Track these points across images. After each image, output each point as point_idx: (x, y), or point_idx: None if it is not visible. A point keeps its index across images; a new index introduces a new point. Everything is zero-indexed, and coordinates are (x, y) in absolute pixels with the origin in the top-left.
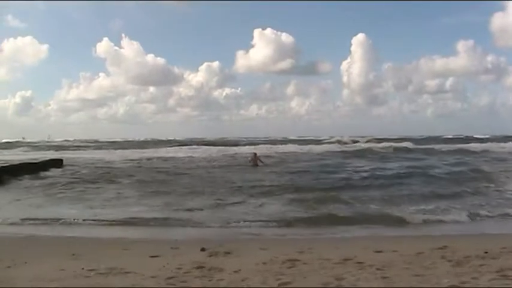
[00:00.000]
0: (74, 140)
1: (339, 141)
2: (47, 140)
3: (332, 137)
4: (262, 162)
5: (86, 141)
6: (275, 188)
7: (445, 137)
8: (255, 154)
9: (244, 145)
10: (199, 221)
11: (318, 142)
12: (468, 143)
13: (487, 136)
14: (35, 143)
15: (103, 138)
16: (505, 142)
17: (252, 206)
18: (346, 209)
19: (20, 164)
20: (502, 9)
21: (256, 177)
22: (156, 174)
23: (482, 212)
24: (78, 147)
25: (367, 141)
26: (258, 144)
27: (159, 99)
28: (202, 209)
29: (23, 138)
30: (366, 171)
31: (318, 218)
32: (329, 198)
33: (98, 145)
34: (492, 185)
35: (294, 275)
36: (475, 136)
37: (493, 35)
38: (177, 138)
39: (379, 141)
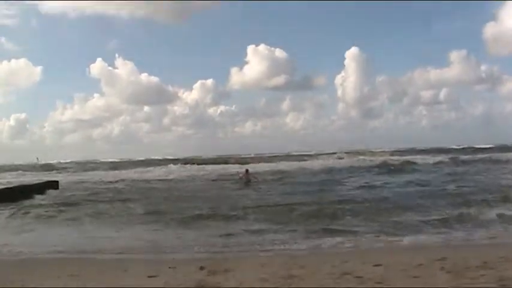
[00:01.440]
0: (71, 161)
1: (339, 157)
2: (35, 162)
3: (335, 152)
4: (255, 178)
5: (80, 162)
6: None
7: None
8: (247, 171)
9: (236, 163)
10: (198, 240)
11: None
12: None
13: (489, 146)
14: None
15: (98, 158)
16: None
17: (246, 222)
18: None
19: (16, 186)
20: (494, 18)
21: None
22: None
23: None
24: (67, 169)
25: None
26: (253, 161)
27: (154, 118)
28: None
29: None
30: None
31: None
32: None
33: (93, 166)
34: None
35: None
36: (476, 146)
37: (485, 44)
38: (171, 157)
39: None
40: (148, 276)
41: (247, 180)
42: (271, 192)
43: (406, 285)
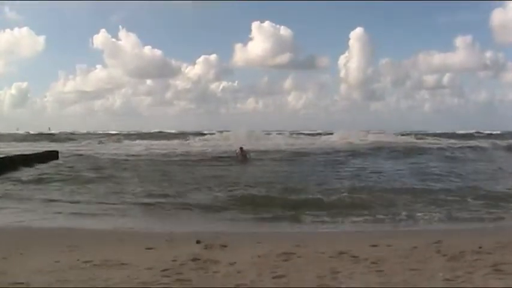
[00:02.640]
0: (74, 132)
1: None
2: (47, 132)
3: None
4: (249, 154)
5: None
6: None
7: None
8: (241, 148)
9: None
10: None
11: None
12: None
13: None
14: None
15: (99, 130)
16: None
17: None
18: None
19: (17, 155)
20: (502, 5)
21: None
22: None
23: None
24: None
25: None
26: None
27: (156, 92)
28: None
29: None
30: None
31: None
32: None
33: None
34: None
35: (289, 268)
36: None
37: (492, 31)
38: (173, 131)
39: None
40: (146, 248)
41: (242, 157)
42: (267, 172)
43: (401, 267)
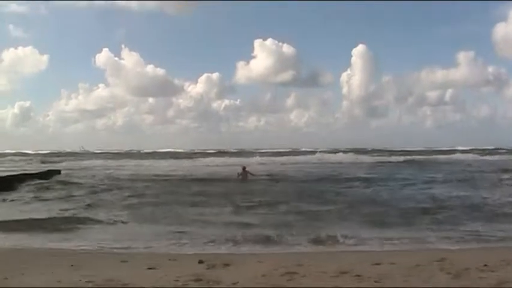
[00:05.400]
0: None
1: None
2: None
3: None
4: (252, 175)
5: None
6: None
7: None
8: (244, 168)
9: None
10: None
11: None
12: None
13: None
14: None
15: (100, 149)
16: None
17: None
18: None
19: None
20: (505, 19)
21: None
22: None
23: None
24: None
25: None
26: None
27: (158, 110)
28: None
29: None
30: None
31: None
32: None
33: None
34: None
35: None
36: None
37: (494, 45)
38: (175, 150)
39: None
40: (148, 268)
41: (244, 177)
42: (269, 192)
43: (404, 285)
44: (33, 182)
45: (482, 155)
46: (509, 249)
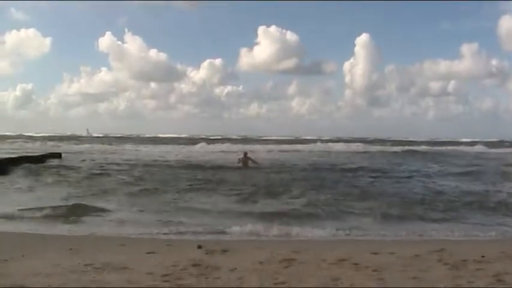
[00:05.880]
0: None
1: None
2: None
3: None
4: (254, 162)
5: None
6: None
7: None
8: (246, 154)
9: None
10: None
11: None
12: None
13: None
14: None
15: (101, 133)
16: None
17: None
18: None
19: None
20: (509, 12)
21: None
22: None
23: None
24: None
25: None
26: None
27: (160, 96)
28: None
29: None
30: None
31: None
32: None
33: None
34: None
35: (290, 275)
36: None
37: (499, 38)
38: (177, 135)
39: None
40: (146, 253)
41: (245, 164)
42: (268, 179)
43: (402, 275)
44: (32, 165)
45: (490, 147)
46: (508, 241)
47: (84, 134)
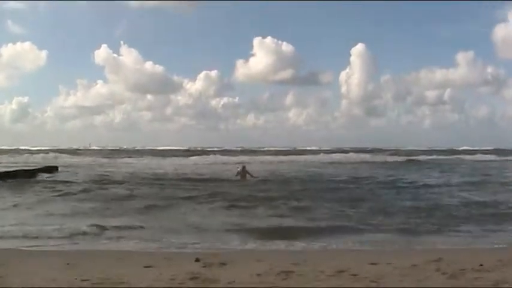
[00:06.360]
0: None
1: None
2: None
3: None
4: (252, 176)
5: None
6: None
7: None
8: (244, 167)
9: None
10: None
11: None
12: None
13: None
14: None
15: (98, 146)
16: None
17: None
18: None
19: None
20: (505, 20)
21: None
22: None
23: None
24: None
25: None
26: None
27: (156, 108)
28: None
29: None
30: None
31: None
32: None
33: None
34: None
35: (288, 287)
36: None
37: (494, 46)
38: (174, 148)
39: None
40: (144, 267)
41: (243, 177)
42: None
43: (400, 285)
44: (30, 179)
45: (501, 156)
46: (506, 249)
47: (87, 147)
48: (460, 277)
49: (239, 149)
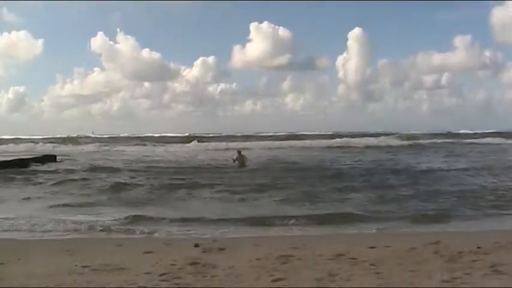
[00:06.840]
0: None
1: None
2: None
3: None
4: (248, 160)
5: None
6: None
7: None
8: (239, 152)
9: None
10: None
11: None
12: None
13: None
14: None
15: (96, 134)
16: None
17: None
18: None
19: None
20: (502, 3)
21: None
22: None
23: None
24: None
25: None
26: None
27: (154, 95)
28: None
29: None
30: None
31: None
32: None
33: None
34: None
35: (288, 271)
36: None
37: (491, 29)
38: (171, 135)
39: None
40: (144, 252)
41: (241, 163)
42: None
43: (399, 268)
44: (28, 169)
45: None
46: (503, 232)
47: (87, 135)
48: (458, 260)
49: (238, 134)
